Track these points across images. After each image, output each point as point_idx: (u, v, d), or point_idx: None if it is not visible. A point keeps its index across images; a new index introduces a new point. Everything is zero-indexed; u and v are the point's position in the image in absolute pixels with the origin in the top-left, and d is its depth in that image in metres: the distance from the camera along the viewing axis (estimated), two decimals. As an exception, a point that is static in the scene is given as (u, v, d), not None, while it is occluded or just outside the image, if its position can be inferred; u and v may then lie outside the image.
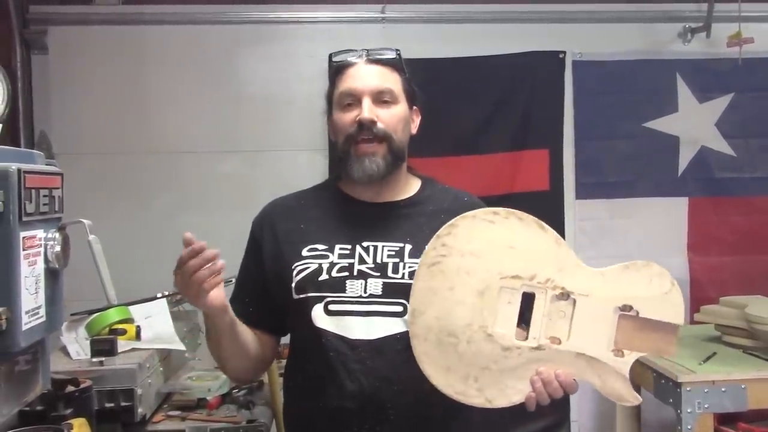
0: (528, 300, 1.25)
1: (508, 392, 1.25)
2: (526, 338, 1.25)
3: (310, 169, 2.90)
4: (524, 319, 1.26)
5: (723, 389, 2.15)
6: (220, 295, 1.27)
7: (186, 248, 1.21)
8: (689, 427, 2.15)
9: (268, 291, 1.45)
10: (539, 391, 1.24)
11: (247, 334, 1.42)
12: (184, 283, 1.23)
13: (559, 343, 1.24)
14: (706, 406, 2.15)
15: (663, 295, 1.24)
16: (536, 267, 1.24)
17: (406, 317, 1.32)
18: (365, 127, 1.39)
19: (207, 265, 1.21)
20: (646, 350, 1.25)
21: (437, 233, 1.27)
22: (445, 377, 1.25)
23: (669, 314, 1.24)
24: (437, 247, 1.25)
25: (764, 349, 2.33)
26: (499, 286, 1.24)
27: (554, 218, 3.08)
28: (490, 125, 3.05)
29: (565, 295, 1.24)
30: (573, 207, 3.12)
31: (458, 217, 1.26)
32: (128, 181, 2.94)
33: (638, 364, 1.61)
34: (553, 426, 2.99)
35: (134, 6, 2.93)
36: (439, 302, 1.24)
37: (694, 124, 3.13)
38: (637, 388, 2.61)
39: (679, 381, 2.15)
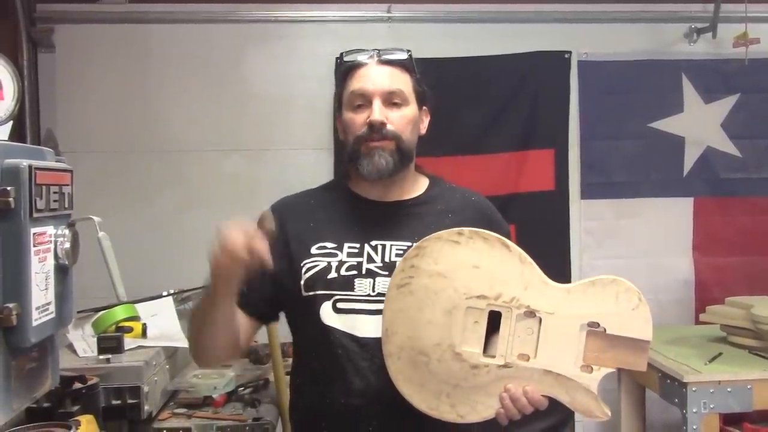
0: (497, 317, 1.25)
1: (479, 408, 1.27)
2: (495, 356, 1.25)
3: (315, 168, 2.90)
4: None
5: (729, 389, 2.15)
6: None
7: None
8: (695, 427, 2.15)
9: (265, 277, 1.42)
10: (508, 407, 1.25)
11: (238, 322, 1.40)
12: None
13: (528, 360, 1.25)
14: (711, 406, 2.15)
15: (630, 311, 1.23)
16: (501, 286, 1.24)
17: None
18: (375, 128, 1.40)
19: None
20: (616, 365, 1.25)
21: (405, 255, 1.28)
22: (419, 394, 1.27)
23: (637, 330, 1.23)
24: (405, 269, 1.26)
25: (770, 349, 2.33)
26: (466, 306, 1.24)
27: (559, 218, 3.09)
28: (495, 125, 3.04)
29: (531, 313, 1.24)
30: (578, 207, 3.11)
31: (425, 238, 1.27)
32: (134, 180, 2.94)
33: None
34: (557, 425, 2.97)
35: (140, 5, 2.94)
36: (409, 322, 1.26)
37: (700, 124, 3.13)
38: (642, 389, 2.63)
39: (684, 381, 2.15)
